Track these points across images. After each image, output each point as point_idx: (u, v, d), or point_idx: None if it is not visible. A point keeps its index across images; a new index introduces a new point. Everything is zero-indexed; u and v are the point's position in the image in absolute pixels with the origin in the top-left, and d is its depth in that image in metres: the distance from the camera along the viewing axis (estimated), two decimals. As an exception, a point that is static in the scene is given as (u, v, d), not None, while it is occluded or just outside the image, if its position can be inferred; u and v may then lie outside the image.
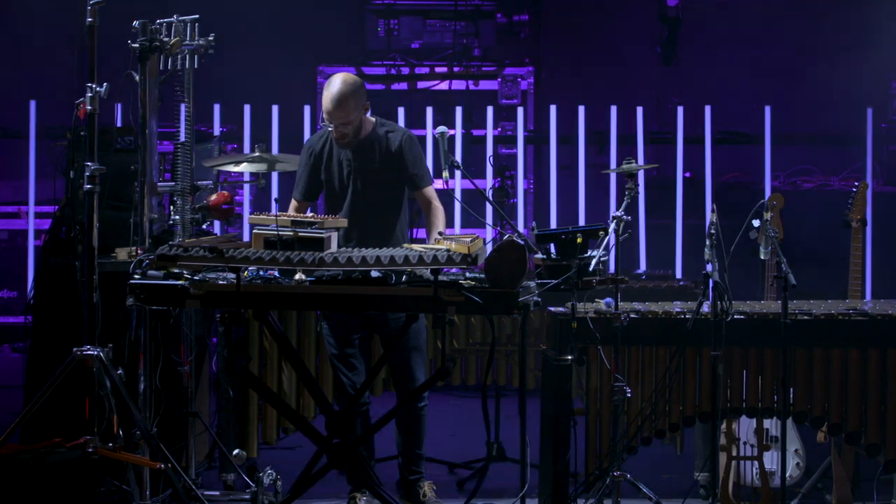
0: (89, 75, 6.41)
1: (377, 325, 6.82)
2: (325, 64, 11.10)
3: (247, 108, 10.70)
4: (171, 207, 6.76)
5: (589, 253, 6.33)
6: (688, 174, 10.84)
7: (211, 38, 6.66)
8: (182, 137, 6.75)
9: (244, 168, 7.05)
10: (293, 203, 6.94)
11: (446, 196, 6.94)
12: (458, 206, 9.42)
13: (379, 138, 6.83)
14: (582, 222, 10.47)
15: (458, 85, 11.11)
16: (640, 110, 10.69)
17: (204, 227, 6.88)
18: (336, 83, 6.68)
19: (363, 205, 6.82)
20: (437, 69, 11.19)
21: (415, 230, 7.13)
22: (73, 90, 6.53)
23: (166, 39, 6.53)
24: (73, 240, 6.95)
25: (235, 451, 6.84)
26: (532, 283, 6.22)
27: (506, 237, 6.01)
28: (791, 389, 6.55)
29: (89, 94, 6.40)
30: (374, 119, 6.86)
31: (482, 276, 6.07)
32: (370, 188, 6.82)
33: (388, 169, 6.82)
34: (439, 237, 6.27)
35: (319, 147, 6.89)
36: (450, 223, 6.96)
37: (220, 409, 7.11)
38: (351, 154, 6.82)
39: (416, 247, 6.14)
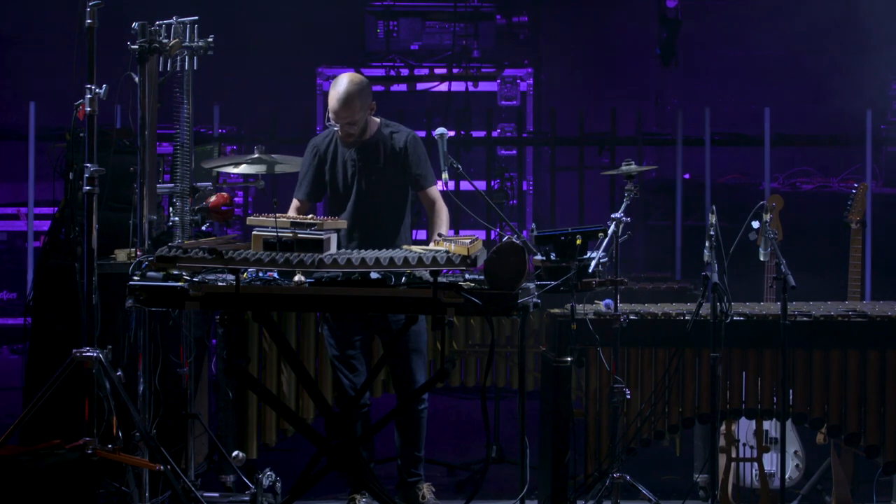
0: (88, 77, 6.41)
1: (378, 327, 6.82)
2: (324, 65, 11.10)
3: (246, 110, 10.70)
4: (171, 209, 6.76)
5: (588, 254, 6.33)
6: (687, 175, 10.84)
7: (210, 40, 6.66)
8: (181, 139, 6.75)
9: (243, 169, 7.05)
10: (295, 203, 6.94)
11: (445, 198, 6.94)
12: (457, 208, 9.43)
13: (384, 139, 6.84)
14: (581, 224, 10.46)
15: (458, 86, 11.11)
16: (639, 111, 10.69)
17: (203, 228, 6.88)
18: (342, 83, 6.69)
19: (367, 205, 6.83)
20: (437, 70, 11.19)
21: (414, 231, 7.13)
22: (72, 91, 6.53)
23: (166, 41, 6.53)
24: (72, 241, 6.95)
25: (234, 453, 6.84)
26: (531, 285, 6.22)
27: (505, 239, 6.01)
28: (790, 391, 6.55)
29: (88, 96, 6.40)
30: (378, 120, 6.87)
31: (481, 277, 6.06)
32: (374, 188, 6.83)
33: (392, 169, 6.83)
34: (438, 238, 6.27)
35: (324, 147, 6.90)
36: (449, 224, 6.95)
37: (219, 410, 7.11)
38: (356, 154, 6.83)
39: (415, 248, 6.14)
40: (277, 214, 6.18)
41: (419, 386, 6.74)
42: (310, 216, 6.48)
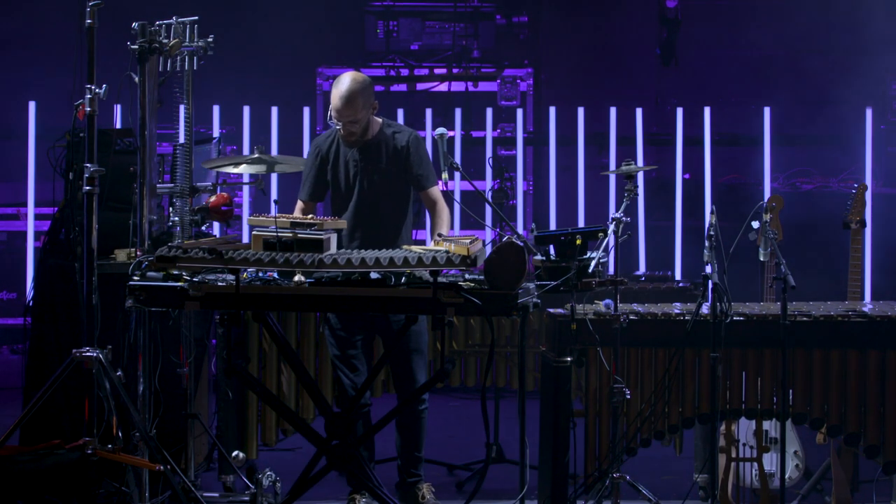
0: (88, 77, 6.41)
1: (379, 327, 6.82)
2: (324, 65, 11.10)
3: (246, 110, 10.70)
4: (171, 209, 6.76)
5: (588, 254, 6.33)
6: (687, 175, 10.84)
7: (210, 40, 6.66)
8: (181, 139, 6.75)
9: (243, 169, 7.04)
10: (299, 204, 6.95)
11: (445, 198, 6.95)
12: (457, 208, 9.44)
13: (386, 139, 6.84)
14: (581, 224, 10.46)
15: (458, 86, 11.11)
16: (639, 111, 10.69)
17: (203, 228, 6.88)
18: (345, 81, 6.69)
19: (369, 205, 6.83)
20: (437, 70, 11.19)
21: (414, 232, 7.13)
22: (72, 91, 6.53)
23: (165, 41, 6.53)
24: (72, 241, 6.95)
25: (234, 453, 6.84)
26: (531, 285, 6.22)
27: (505, 239, 6.01)
28: (790, 391, 6.55)
29: (88, 96, 6.40)
30: (381, 120, 6.87)
31: (481, 277, 6.06)
32: (376, 188, 6.83)
33: (394, 169, 6.83)
34: (438, 238, 6.27)
35: (326, 147, 6.89)
36: (450, 224, 6.95)
37: (219, 410, 7.11)
38: (358, 154, 6.83)
39: (415, 248, 6.14)
40: (277, 214, 6.18)
41: (419, 386, 6.74)
42: (310, 216, 6.48)
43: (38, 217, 10.58)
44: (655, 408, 6.57)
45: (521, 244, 6.01)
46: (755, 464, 6.84)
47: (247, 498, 6.49)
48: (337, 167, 6.87)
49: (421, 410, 6.86)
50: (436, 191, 6.89)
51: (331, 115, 6.76)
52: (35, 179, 10.54)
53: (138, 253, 6.42)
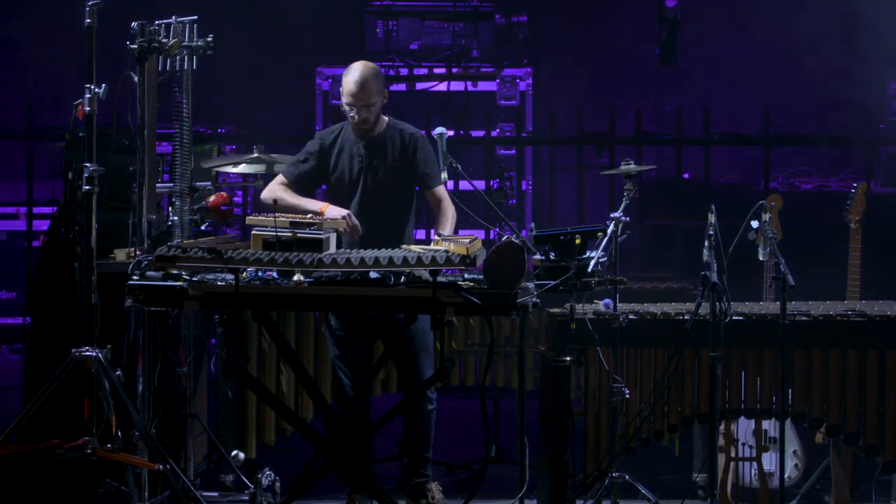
0: (88, 76, 6.41)
1: (380, 327, 6.81)
2: (323, 65, 11.10)
3: (245, 110, 10.69)
4: (170, 208, 6.76)
5: (587, 254, 6.33)
6: (687, 175, 10.83)
7: (210, 39, 6.66)
8: (181, 138, 6.74)
9: (243, 169, 7.05)
10: (280, 178, 6.85)
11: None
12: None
13: (392, 136, 6.84)
14: (580, 223, 10.45)
15: (457, 86, 11.11)
16: (639, 111, 10.69)
17: (202, 228, 6.88)
18: (357, 67, 6.71)
19: (372, 202, 6.82)
20: (436, 70, 11.19)
21: (413, 231, 7.13)
22: (73, 91, 6.53)
23: (165, 40, 6.53)
24: (71, 241, 6.96)
25: (234, 453, 6.84)
26: (531, 285, 6.22)
27: (504, 238, 6.01)
28: (790, 390, 6.55)
29: (88, 96, 6.40)
30: (387, 118, 6.87)
31: (481, 277, 6.07)
32: (381, 186, 6.82)
33: (399, 167, 6.82)
34: (438, 238, 6.27)
35: (330, 141, 6.88)
36: (455, 223, 6.94)
37: (218, 410, 7.11)
38: (363, 150, 6.82)
39: (414, 248, 6.15)
40: (276, 214, 6.18)
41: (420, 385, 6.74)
42: (309, 216, 6.47)
43: (37, 217, 10.58)
44: (655, 407, 6.57)
45: (520, 244, 6.01)
46: (754, 463, 6.84)
47: (246, 497, 6.49)
48: (340, 160, 6.85)
49: (429, 411, 6.85)
50: (442, 190, 6.88)
51: (343, 104, 6.74)
52: (35, 179, 10.54)
53: (138, 252, 6.42)
